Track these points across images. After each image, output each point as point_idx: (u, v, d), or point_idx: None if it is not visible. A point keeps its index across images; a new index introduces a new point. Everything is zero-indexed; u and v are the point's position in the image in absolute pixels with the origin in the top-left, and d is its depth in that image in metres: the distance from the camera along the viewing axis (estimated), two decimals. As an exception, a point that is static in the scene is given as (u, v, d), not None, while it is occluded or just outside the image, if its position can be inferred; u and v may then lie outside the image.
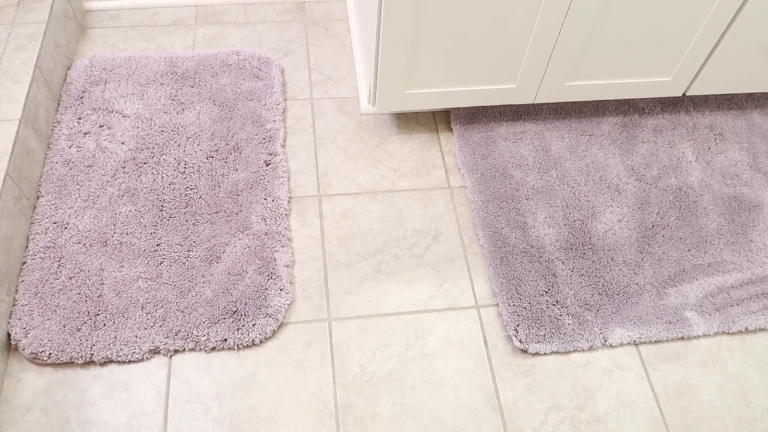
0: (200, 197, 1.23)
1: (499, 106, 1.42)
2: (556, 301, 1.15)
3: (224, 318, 1.09)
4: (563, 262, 1.20)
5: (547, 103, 1.44)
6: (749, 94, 1.50)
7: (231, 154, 1.29)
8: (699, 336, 1.15)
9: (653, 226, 1.27)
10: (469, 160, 1.33)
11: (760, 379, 1.11)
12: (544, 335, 1.11)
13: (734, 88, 1.38)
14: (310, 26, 1.58)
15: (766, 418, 1.08)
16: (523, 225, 1.25)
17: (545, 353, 1.11)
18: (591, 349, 1.13)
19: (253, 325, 1.08)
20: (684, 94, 1.39)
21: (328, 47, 1.54)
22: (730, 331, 1.15)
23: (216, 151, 1.29)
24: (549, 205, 1.28)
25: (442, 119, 1.43)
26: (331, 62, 1.51)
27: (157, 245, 1.16)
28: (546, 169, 1.33)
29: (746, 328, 1.16)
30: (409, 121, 1.42)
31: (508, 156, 1.34)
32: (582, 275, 1.19)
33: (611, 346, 1.13)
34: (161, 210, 1.20)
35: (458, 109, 1.41)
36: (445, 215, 1.28)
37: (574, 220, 1.26)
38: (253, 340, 1.08)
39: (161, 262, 1.14)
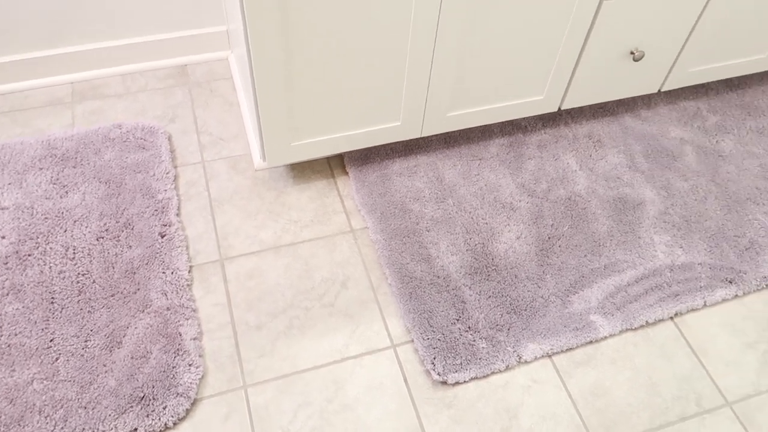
0: (94, 282, 1.17)
1: (390, 143, 1.45)
2: (468, 327, 1.18)
3: (132, 406, 1.03)
4: (470, 287, 1.23)
5: (435, 134, 1.49)
6: (619, 100, 1.61)
7: (123, 231, 1.25)
8: (606, 337, 1.20)
9: (549, 237, 1.32)
10: (367, 201, 1.35)
11: (666, 368, 1.17)
12: (461, 363, 1.13)
13: (603, 96, 1.48)
14: (195, 89, 1.57)
15: (677, 404, 1.13)
16: (427, 257, 1.27)
17: (465, 381, 1.13)
18: (508, 368, 1.15)
19: (164, 408, 1.04)
20: (560, 109, 1.47)
21: (215, 108, 1.53)
22: (633, 327, 1.21)
23: (106, 230, 1.25)
24: (450, 233, 1.31)
25: (336, 164, 1.44)
26: (220, 122, 1.50)
27: (51, 341, 1.09)
28: (442, 198, 1.37)
29: (647, 321, 1.22)
30: (304, 170, 1.43)
31: (404, 191, 1.37)
32: (489, 297, 1.22)
33: (526, 362, 1.16)
34: (52, 302, 1.14)
35: (351, 151, 1.43)
36: (350, 259, 1.28)
37: (476, 244, 1.30)
38: (165, 424, 1.03)
39: (57, 359, 1.07)
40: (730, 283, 1.27)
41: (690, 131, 1.56)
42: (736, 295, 1.27)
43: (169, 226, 1.27)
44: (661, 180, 1.44)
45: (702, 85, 1.68)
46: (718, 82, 1.69)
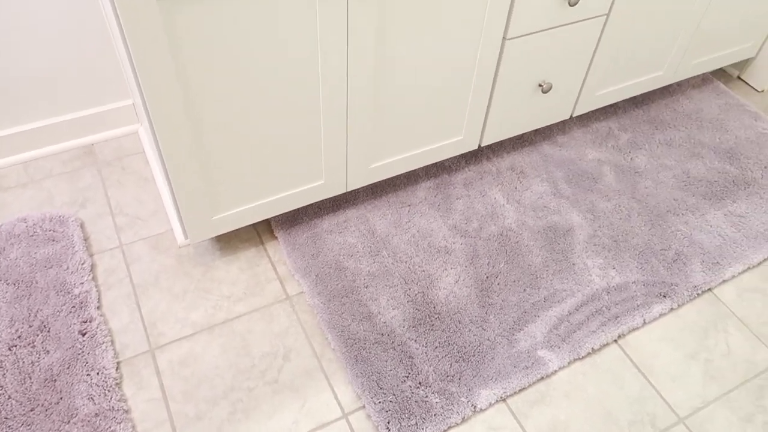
0: (9, 397, 1.07)
1: (317, 201, 1.42)
2: (419, 383, 1.14)
3: None
4: (415, 341, 1.20)
5: (362, 186, 1.47)
6: (535, 130, 1.65)
7: (38, 335, 1.15)
8: (556, 371, 1.20)
9: (488, 277, 1.32)
10: (300, 264, 1.31)
11: (617, 393, 1.18)
12: (416, 423, 1.09)
13: (520, 128, 1.51)
14: (105, 168, 1.49)
15: (633, 429, 1.13)
16: (369, 315, 1.23)
17: (422, 441, 1.09)
18: (464, 420, 1.12)
19: None
20: (480, 146, 1.49)
21: (128, 186, 1.46)
22: (580, 357, 1.22)
23: (19, 337, 1.15)
24: (388, 287, 1.28)
25: (264, 229, 1.40)
26: (136, 200, 1.43)
27: (-37, 475, 0.98)
28: (377, 251, 1.34)
29: (592, 348, 1.22)
30: (231, 240, 1.37)
31: (337, 249, 1.34)
32: (436, 347, 1.20)
33: (482, 410, 1.14)
34: (-39, 430, 1.03)
35: (278, 214, 1.39)
36: (290, 328, 1.23)
37: (416, 294, 1.28)
38: None
39: (-28, 494, 0.96)
40: (665, 297, 1.31)
41: (605, 151, 1.61)
42: (672, 308, 1.30)
43: (90, 321, 1.18)
44: (585, 203, 1.48)
45: (611, 106, 1.75)
46: (624, 101, 1.77)
